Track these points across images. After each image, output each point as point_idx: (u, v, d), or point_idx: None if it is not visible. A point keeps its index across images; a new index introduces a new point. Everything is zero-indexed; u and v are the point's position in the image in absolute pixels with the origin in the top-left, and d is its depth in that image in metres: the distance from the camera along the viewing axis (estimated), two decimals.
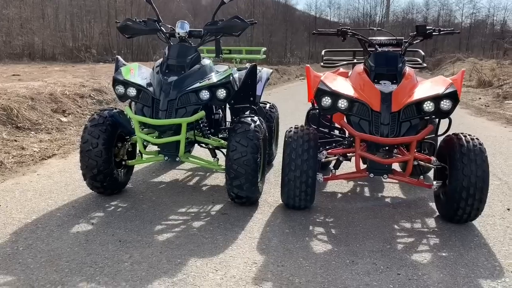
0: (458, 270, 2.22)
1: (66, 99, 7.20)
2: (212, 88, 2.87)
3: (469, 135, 2.76)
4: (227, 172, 2.81)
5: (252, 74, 3.29)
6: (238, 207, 2.98)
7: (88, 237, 2.47)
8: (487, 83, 13.55)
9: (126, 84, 2.91)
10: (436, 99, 2.63)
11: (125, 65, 3.09)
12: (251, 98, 3.41)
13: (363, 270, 2.18)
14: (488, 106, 9.83)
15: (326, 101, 2.74)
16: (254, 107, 3.44)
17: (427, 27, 2.90)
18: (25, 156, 4.46)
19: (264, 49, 4.36)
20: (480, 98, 11.22)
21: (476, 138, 2.72)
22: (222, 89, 2.88)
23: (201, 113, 2.87)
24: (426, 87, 2.74)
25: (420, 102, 2.64)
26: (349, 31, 3.00)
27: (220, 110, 3.56)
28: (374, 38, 3.08)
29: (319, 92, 2.76)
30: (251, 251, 2.36)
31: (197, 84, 2.87)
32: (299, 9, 56.59)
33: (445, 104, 2.63)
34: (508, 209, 3.11)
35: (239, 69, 3.86)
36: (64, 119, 6.60)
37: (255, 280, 2.06)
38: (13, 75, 12.13)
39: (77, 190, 3.25)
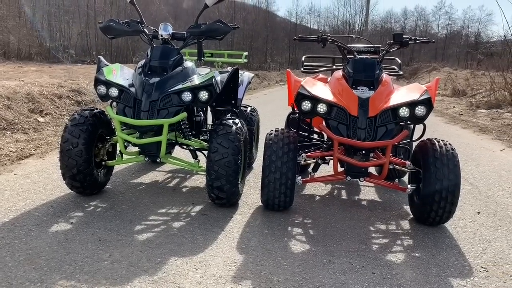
0: (430, 269, 2.30)
1: (44, 99, 7.11)
2: (195, 90, 2.91)
3: (442, 140, 2.87)
4: (208, 173, 2.85)
5: (234, 77, 3.34)
6: (218, 208, 3.02)
7: (68, 236, 2.47)
8: (461, 92, 13.92)
9: (108, 84, 2.92)
10: (411, 105, 2.73)
11: (107, 65, 3.11)
12: (233, 101, 3.46)
13: (339, 269, 2.25)
14: (461, 114, 10.10)
15: (306, 105, 2.81)
16: (235, 110, 3.49)
17: (403, 36, 3.00)
18: (1, 156, 4.40)
19: (245, 53, 4.42)
20: (454, 107, 11.52)
21: (449, 144, 2.83)
22: (204, 91, 2.91)
23: (183, 115, 2.90)
24: (402, 94, 2.84)
25: (396, 108, 2.73)
26: (329, 38, 3.08)
27: (201, 112, 3.60)
28: (352, 45, 3.17)
29: (299, 96, 2.83)
30: (231, 250, 2.40)
31: (180, 86, 2.91)
32: (280, 16, 57.05)
33: (420, 110, 2.73)
34: (478, 213, 3.23)
35: (220, 72, 3.90)
36: (41, 119, 6.51)
37: (234, 279, 2.10)
38: None
39: (55, 190, 3.24)
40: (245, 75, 4.03)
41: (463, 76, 17.98)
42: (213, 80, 2.96)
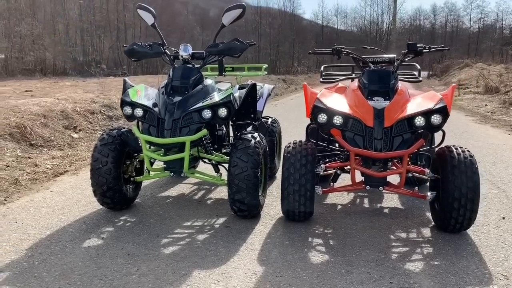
0: (449, 278, 2.33)
1: (77, 115, 7.43)
2: (214, 107, 3.03)
3: (460, 147, 2.88)
4: (229, 186, 2.96)
5: (251, 92, 3.45)
6: (241, 220, 3.12)
7: (99, 251, 2.63)
8: (493, 89, 13.57)
9: (133, 105, 3.08)
10: (427, 114, 2.76)
11: (133, 86, 3.27)
12: (252, 115, 3.57)
13: (357, 279, 2.30)
14: (493, 113, 9.87)
15: (322, 117, 2.88)
16: (255, 123, 3.59)
17: (417, 45, 3.03)
18: (38, 173, 4.66)
19: (265, 66, 4.52)
20: (486, 105, 11.26)
21: (467, 150, 2.83)
22: (223, 108, 3.03)
23: (204, 131, 3.03)
24: (417, 103, 2.87)
25: (411, 117, 2.76)
26: (343, 50, 3.15)
27: (223, 126, 3.71)
28: (367, 56, 3.22)
29: (315, 109, 2.90)
30: (252, 262, 2.49)
31: (200, 104, 3.03)
32: (306, 18, 56.94)
33: (436, 119, 2.75)
34: (504, 218, 3.21)
35: (241, 86, 4.02)
36: (75, 135, 6.81)
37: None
38: (26, 91, 12.48)
39: (88, 206, 3.42)
40: (265, 88, 4.13)
41: (496, 72, 17.45)
42: (231, 97, 3.07)
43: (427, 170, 2.96)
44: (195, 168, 3.39)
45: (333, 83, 3.84)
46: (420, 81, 3.80)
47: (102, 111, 8.06)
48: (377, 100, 2.86)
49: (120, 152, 3.14)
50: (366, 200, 3.62)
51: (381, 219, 3.19)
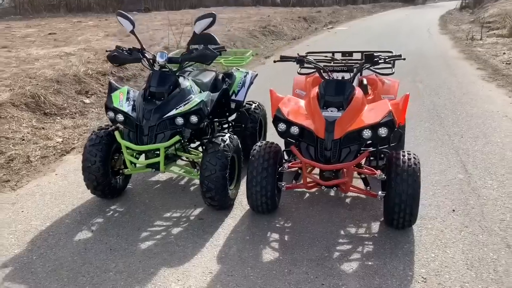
0: (374, 280, 2.72)
1: (89, 78, 7.83)
2: (186, 114, 3.35)
3: (408, 154, 3.14)
4: (200, 185, 3.36)
5: (224, 95, 3.75)
6: (214, 212, 3.54)
7: (86, 246, 3.12)
8: None
9: (115, 110, 3.43)
10: (374, 127, 3.01)
11: (118, 88, 3.60)
12: (227, 113, 3.89)
13: (295, 280, 2.73)
14: (509, 63, 9.67)
15: (282, 126, 3.17)
16: (229, 121, 3.93)
17: (374, 55, 3.20)
18: (49, 148, 5.18)
19: (250, 51, 4.72)
20: (504, 53, 10.97)
21: (414, 158, 3.10)
22: (194, 116, 3.35)
23: (176, 138, 3.38)
24: (367, 114, 3.10)
25: (359, 130, 3.03)
26: (305, 59, 3.35)
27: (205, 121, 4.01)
28: (328, 64, 3.41)
29: (276, 118, 3.19)
30: (211, 260, 2.94)
31: (173, 112, 3.36)
32: None
33: (382, 132, 3.01)
34: (453, 210, 3.51)
35: (226, 74, 4.30)
36: (87, 100, 7.26)
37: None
38: (50, 33, 12.89)
39: (85, 192, 3.86)
40: (248, 77, 4.37)
41: None
42: (202, 104, 3.37)
43: (378, 172, 3.26)
44: (175, 163, 3.76)
45: (312, 73, 4.05)
46: (392, 73, 3.97)
47: (113, 72, 8.41)
48: (331, 111, 3.11)
49: (107, 151, 3.54)
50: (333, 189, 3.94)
51: (339, 210, 3.55)
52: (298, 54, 3.39)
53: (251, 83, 4.39)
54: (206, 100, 3.46)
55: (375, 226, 3.32)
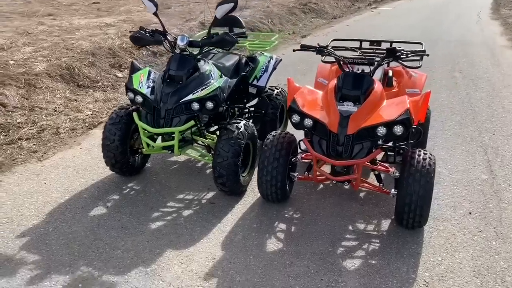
0: (374, 280, 2.70)
1: (124, 52, 7.96)
2: (202, 100, 3.37)
3: (424, 153, 3.05)
4: (213, 170, 3.40)
5: (242, 81, 3.73)
6: (225, 196, 3.59)
7: (100, 222, 3.25)
8: None
9: (134, 92, 3.49)
10: (389, 124, 2.94)
11: (140, 69, 3.65)
12: (245, 100, 3.88)
13: (294, 273, 2.75)
14: None
15: (295, 118, 3.15)
16: (247, 108, 3.92)
17: (396, 49, 3.10)
18: (78, 121, 5.35)
19: (276, 35, 4.66)
20: None
21: (429, 158, 3.02)
22: (209, 102, 3.37)
23: (191, 123, 3.42)
24: (384, 111, 3.03)
25: (374, 126, 2.96)
26: (326, 50, 3.28)
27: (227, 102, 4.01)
28: (349, 56, 3.32)
29: (290, 110, 3.17)
30: (216, 246, 3.00)
31: (190, 96, 3.38)
32: None
33: (397, 130, 2.94)
34: (470, 213, 3.41)
35: (249, 58, 4.27)
36: (119, 74, 7.40)
37: (206, 276, 2.71)
38: (94, 2, 13.14)
39: (106, 168, 3.98)
40: (272, 61, 4.33)
41: None
42: (218, 90, 3.38)
43: (392, 169, 3.20)
44: (192, 145, 3.81)
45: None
46: (419, 67, 3.84)
47: (147, 47, 8.51)
48: (346, 105, 3.05)
49: (126, 130, 3.62)
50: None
51: (351, 205, 3.52)
52: (318, 44, 3.32)
53: (274, 68, 4.35)
54: (223, 86, 3.46)
55: (385, 224, 3.28)
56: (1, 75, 6.22)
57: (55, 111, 5.73)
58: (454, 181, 3.90)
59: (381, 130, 2.95)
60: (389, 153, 3.59)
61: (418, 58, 3.84)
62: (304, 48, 3.39)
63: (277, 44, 4.69)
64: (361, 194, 3.69)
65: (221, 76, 3.78)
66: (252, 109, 4.33)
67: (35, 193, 3.62)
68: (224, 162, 3.31)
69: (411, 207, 2.95)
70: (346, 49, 4.15)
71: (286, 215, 3.37)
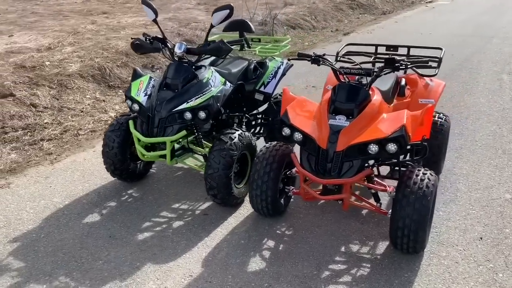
0: None
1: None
2: (195, 109, 3.30)
3: (424, 173, 2.80)
4: (205, 180, 3.32)
5: (239, 90, 3.62)
6: (220, 208, 3.49)
7: (90, 230, 3.27)
8: None
9: (132, 99, 3.48)
10: (382, 141, 2.72)
11: (141, 76, 3.64)
12: (244, 108, 3.76)
13: None
14: None
15: (286, 131, 2.99)
16: (247, 115, 3.79)
17: (395, 59, 2.85)
18: (101, 122, 5.47)
19: (288, 39, 4.48)
20: None
21: (429, 178, 2.76)
22: (202, 112, 3.28)
23: (183, 133, 3.35)
24: (378, 127, 2.80)
25: (365, 143, 2.75)
26: (321, 58, 3.08)
27: (226, 111, 3.93)
28: (345, 66, 3.10)
29: (281, 122, 3.02)
30: (197, 262, 2.91)
31: (183, 106, 3.32)
32: None
33: (391, 148, 2.71)
34: (481, 238, 3.11)
35: (259, 63, 4.14)
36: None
37: None
38: None
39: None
40: (282, 67, 4.17)
41: None
42: (211, 100, 3.29)
43: (389, 189, 2.97)
44: (192, 154, 3.74)
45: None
46: (434, 75, 3.56)
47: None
48: (338, 119, 2.86)
49: (125, 137, 3.62)
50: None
51: (350, 223, 3.31)
52: (314, 53, 3.13)
53: (283, 74, 4.18)
54: (217, 95, 3.36)
55: (382, 246, 3.05)
56: (36, 75, 6.49)
57: (82, 111, 5.89)
58: (472, 200, 3.57)
59: (373, 148, 2.73)
60: (395, 168, 3.34)
61: (435, 65, 3.57)
62: (300, 57, 3.21)
63: (289, 48, 4.51)
64: (364, 212, 3.46)
65: (225, 83, 3.69)
66: (260, 116, 4.21)
67: (39, 197, 3.71)
68: (215, 174, 3.22)
69: (404, 231, 2.72)
70: (360, 55, 3.94)
71: (277, 231, 3.23)
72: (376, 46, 4.06)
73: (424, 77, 3.67)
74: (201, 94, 3.38)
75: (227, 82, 3.78)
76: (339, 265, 2.88)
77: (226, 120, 3.84)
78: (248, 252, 3.00)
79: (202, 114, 3.30)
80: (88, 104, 6.13)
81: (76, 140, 4.91)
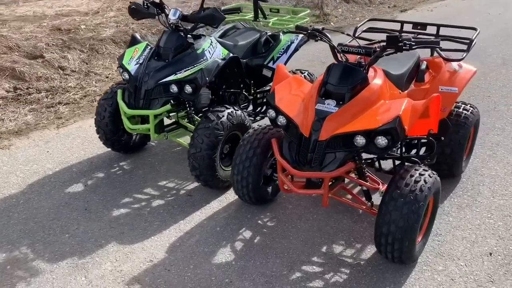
0: None
1: None
2: (181, 82, 3.05)
3: (421, 173, 2.40)
4: (188, 160, 3.09)
5: (234, 65, 3.31)
6: (206, 190, 3.27)
7: (69, 201, 3.17)
8: None
9: (123, 68, 3.29)
10: (371, 133, 2.34)
11: (139, 43, 3.43)
12: (241, 85, 3.45)
13: None
14: None
15: (271, 113, 2.68)
16: (245, 93, 3.48)
17: (398, 38, 2.41)
18: None
19: (307, 11, 4.08)
20: None
21: (425, 180, 2.36)
22: (188, 85, 3.03)
23: (167, 107, 3.12)
24: (370, 116, 2.41)
25: (350, 134, 2.38)
26: (318, 33, 2.69)
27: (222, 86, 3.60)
28: (344, 44, 2.68)
29: (266, 103, 2.70)
30: (163, 246, 2.72)
31: (170, 78, 3.08)
32: None
33: (380, 142, 2.32)
34: (490, 254, 2.67)
35: (271, 36, 3.81)
36: None
37: (131, 280, 2.46)
38: None
39: None
40: (295, 42, 3.80)
41: None
42: (199, 73, 3.02)
43: (382, 187, 2.59)
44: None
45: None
46: (461, 59, 3.07)
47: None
48: (327, 103, 2.50)
49: (118, 107, 3.44)
50: (357, 190, 3.31)
51: (342, 220, 2.97)
52: (310, 25, 2.75)
53: (295, 49, 3.80)
54: (207, 68, 3.09)
55: (369, 252, 2.70)
56: (69, 39, 6.51)
57: (107, 77, 5.84)
58: (493, 207, 3.09)
59: (359, 140, 2.36)
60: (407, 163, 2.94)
61: (464, 47, 3.08)
62: (298, 30, 2.84)
63: (308, 21, 4.10)
64: (361, 210, 3.08)
65: (227, 55, 3.40)
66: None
67: (33, 161, 3.67)
68: (197, 154, 2.99)
69: (387, 239, 2.36)
70: (382, 31, 3.50)
71: (259, 221, 2.96)
72: (402, 23, 3.58)
73: (451, 61, 3.17)
74: (192, 66, 3.12)
75: (231, 55, 3.49)
76: (314, 267, 2.57)
77: (228, 96, 3.57)
78: (220, 242, 2.76)
79: (188, 88, 3.05)
80: (115, 70, 6.06)
81: (91, 106, 4.85)
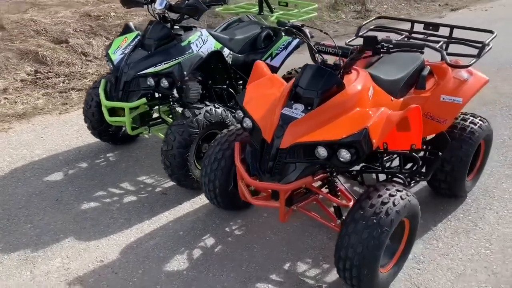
0: None
1: None
2: (158, 75, 2.90)
3: (392, 194, 2.12)
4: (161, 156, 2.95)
5: (218, 60, 3.11)
6: (182, 190, 3.11)
7: (44, 189, 3.12)
8: None
9: (108, 57, 3.19)
10: (333, 145, 2.08)
11: (130, 32, 3.32)
12: (227, 81, 3.24)
13: None
14: None
15: (239, 114, 2.47)
16: (231, 90, 3.26)
17: (375, 39, 2.12)
18: None
19: (313, 6, 3.79)
20: None
21: (394, 202, 2.07)
22: (164, 79, 2.88)
23: (142, 100, 2.98)
24: (338, 125, 2.14)
25: (312, 144, 2.13)
26: (296, 31, 2.43)
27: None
28: (322, 43, 2.41)
29: (235, 102, 2.50)
30: (118, 247, 2.59)
31: (148, 70, 2.94)
32: None
33: (343, 155, 2.06)
34: None
35: (274, 30, 3.60)
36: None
37: (75, 280, 2.36)
38: None
39: None
40: (295, 40, 3.54)
41: None
42: (176, 67, 2.86)
43: (351, 204, 2.33)
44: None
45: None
46: (469, 65, 2.72)
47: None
48: (295, 108, 2.26)
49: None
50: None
51: (318, 236, 2.71)
52: (288, 21, 2.50)
53: (296, 47, 3.56)
54: (184, 62, 2.92)
55: (335, 274, 2.41)
56: (97, 25, 6.57)
57: None
58: (494, 236, 2.72)
59: (321, 152, 2.11)
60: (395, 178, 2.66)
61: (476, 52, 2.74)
62: (279, 26, 2.59)
63: (315, 16, 3.81)
64: None
65: (221, 49, 3.23)
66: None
67: (24, 146, 3.68)
68: (169, 152, 2.84)
69: (345, 264, 2.10)
70: (389, 31, 3.20)
71: (226, 229, 2.77)
72: (412, 22, 3.23)
73: (459, 68, 2.80)
74: (174, 59, 2.97)
75: (226, 49, 3.30)
76: (269, 285, 2.35)
77: (217, 93, 3.38)
78: (179, 247, 2.60)
79: (164, 82, 2.89)
80: None
81: None
